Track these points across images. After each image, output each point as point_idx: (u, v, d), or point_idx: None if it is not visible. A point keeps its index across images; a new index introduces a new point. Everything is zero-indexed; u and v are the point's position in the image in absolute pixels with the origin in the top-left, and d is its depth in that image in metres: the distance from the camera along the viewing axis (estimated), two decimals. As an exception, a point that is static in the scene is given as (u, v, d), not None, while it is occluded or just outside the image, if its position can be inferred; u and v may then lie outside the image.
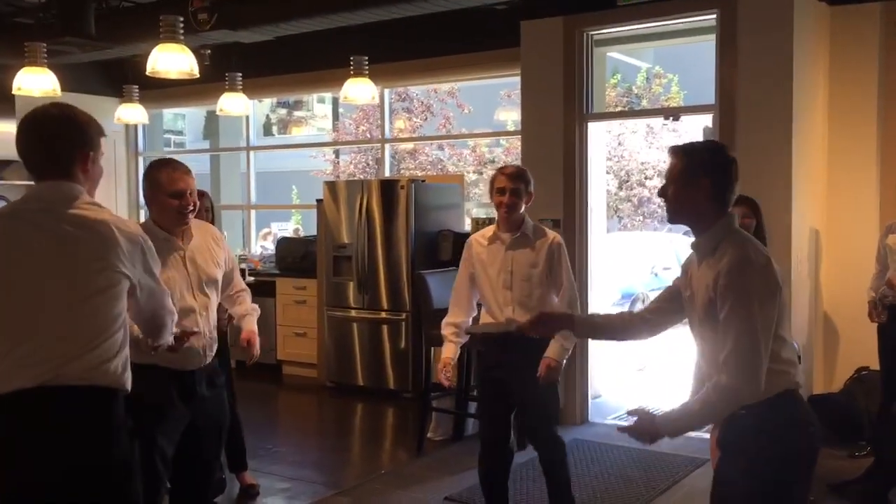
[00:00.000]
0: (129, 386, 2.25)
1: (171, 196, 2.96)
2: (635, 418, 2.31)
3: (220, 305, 3.34)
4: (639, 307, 10.67)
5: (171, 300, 2.55)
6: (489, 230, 3.68)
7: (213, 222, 4.40)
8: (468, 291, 3.71)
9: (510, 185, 3.54)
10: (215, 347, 3.17)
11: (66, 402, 2.12)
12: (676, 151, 2.37)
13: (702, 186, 2.30)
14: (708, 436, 4.58)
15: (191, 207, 3.01)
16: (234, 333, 3.42)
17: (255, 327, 3.40)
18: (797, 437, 2.24)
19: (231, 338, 4.05)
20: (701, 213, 2.32)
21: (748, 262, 2.21)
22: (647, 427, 2.28)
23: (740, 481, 2.24)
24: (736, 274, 2.19)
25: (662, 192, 2.38)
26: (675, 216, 2.39)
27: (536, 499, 4.22)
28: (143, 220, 8.99)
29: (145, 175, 3.07)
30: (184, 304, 2.97)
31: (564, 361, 3.56)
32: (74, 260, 2.15)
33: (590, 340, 5.80)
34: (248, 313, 3.41)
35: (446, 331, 3.71)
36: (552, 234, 3.64)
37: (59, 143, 2.22)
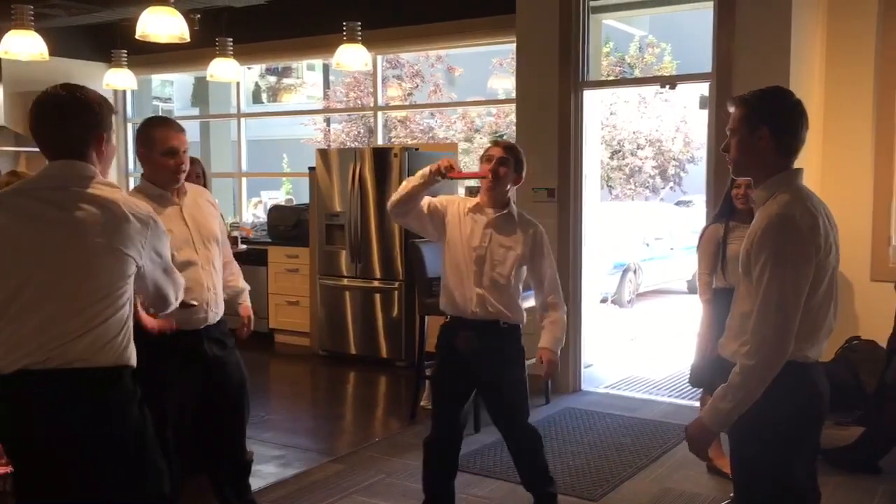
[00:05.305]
0: (133, 362, 2.26)
1: (164, 154, 2.98)
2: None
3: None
4: (630, 278, 10.73)
5: (173, 257, 2.56)
6: (472, 201, 3.38)
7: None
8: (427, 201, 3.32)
9: (499, 154, 3.30)
10: (221, 305, 3.17)
11: (71, 382, 2.13)
12: (737, 101, 2.28)
13: (761, 135, 2.20)
14: (697, 404, 4.62)
15: (184, 166, 3.01)
16: (231, 304, 3.43)
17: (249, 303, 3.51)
18: (798, 404, 2.26)
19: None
20: (763, 162, 2.22)
21: (790, 220, 2.09)
22: (698, 434, 2.29)
23: (746, 446, 2.26)
24: (773, 232, 2.09)
25: (726, 147, 2.29)
26: (736, 168, 2.29)
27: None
28: (133, 186, 8.75)
29: (139, 132, 3.06)
30: (185, 257, 2.98)
31: (559, 351, 3.38)
32: (83, 240, 2.15)
33: (583, 314, 5.80)
34: (244, 290, 3.47)
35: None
36: (538, 224, 3.41)
37: (74, 127, 2.20)
